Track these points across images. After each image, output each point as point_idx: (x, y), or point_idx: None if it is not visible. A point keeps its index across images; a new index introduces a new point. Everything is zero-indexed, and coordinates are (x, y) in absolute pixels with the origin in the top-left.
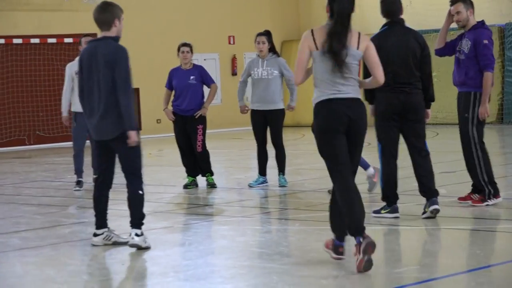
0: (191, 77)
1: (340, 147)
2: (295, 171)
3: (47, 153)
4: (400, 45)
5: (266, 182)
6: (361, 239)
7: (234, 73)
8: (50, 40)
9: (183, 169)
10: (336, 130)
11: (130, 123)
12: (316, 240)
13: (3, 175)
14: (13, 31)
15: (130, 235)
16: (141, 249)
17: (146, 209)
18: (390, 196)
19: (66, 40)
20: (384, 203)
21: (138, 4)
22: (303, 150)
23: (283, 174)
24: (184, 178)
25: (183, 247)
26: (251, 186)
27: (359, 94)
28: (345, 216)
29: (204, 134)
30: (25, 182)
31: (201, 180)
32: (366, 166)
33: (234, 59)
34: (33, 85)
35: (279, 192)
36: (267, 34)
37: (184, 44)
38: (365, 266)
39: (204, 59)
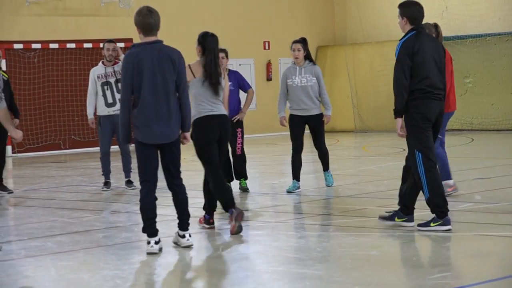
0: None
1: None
2: None
3: (82, 158)
4: (433, 51)
5: (299, 188)
6: (233, 210)
7: (269, 79)
8: (86, 45)
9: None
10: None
11: (189, 124)
12: (350, 246)
13: (39, 179)
14: (51, 36)
15: (183, 237)
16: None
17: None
18: (442, 207)
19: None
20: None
21: (174, 10)
22: (338, 156)
23: (328, 170)
24: None
25: (217, 252)
26: (290, 192)
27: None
28: (219, 197)
29: (242, 137)
30: (61, 186)
31: (233, 184)
32: (448, 176)
33: (269, 65)
34: (69, 90)
35: (313, 197)
36: (303, 41)
37: (220, 50)
38: (237, 230)
39: (240, 64)
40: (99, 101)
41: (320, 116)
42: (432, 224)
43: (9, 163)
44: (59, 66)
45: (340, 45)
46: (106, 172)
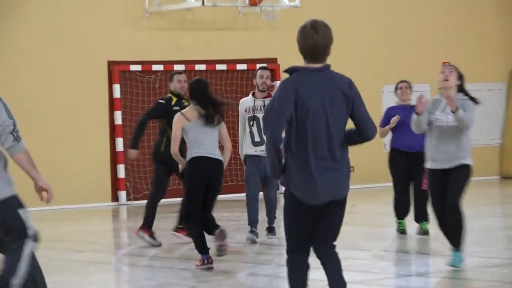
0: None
1: None
2: None
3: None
4: None
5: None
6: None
7: None
8: (219, 67)
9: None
10: None
11: None
12: None
13: (160, 232)
14: (175, 55)
15: None
16: None
17: None
18: None
19: (239, 67)
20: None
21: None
22: None
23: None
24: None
25: None
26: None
27: None
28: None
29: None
30: (186, 240)
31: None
32: None
33: None
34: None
35: (501, 261)
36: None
37: (402, 81)
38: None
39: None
40: (245, 138)
41: None
42: None
43: (122, 212)
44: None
45: None
46: (253, 220)
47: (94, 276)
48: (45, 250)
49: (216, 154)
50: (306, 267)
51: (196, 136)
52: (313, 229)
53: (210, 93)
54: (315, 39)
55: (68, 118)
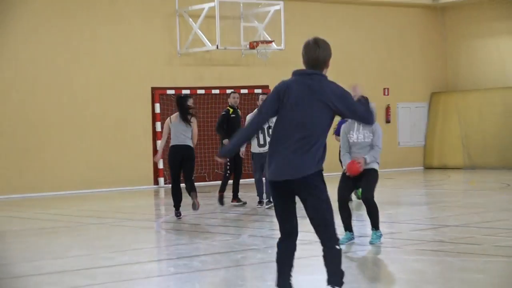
0: None
1: None
2: (441, 207)
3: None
4: None
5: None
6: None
7: (388, 121)
8: (228, 91)
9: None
10: None
11: None
12: (458, 270)
13: (188, 207)
14: (198, 83)
15: None
16: None
17: (307, 238)
18: None
19: (242, 91)
20: None
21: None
22: (449, 190)
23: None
24: None
25: None
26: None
27: None
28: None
29: None
30: (205, 213)
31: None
32: None
33: (388, 109)
34: (213, 129)
35: (424, 226)
36: None
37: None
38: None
39: None
40: (253, 141)
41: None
42: None
43: (161, 192)
44: (205, 109)
45: (452, 91)
46: (260, 192)
47: (142, 237)
48: (107, 219)
49: (187, 142)
50: None
51: (175, 131)
52: None
53: (186, 103)
54: (317, 52)
55: (124, 127)
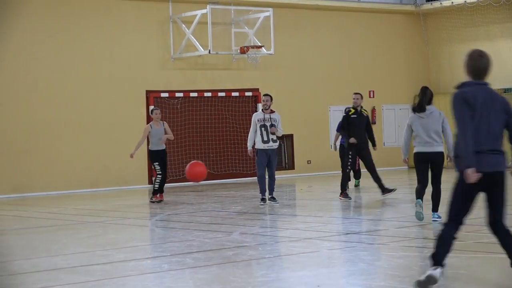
0: None
1: None
2: (425, 205)
3: (216, 188)
4: None
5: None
6: None
7: (373, 122)
8: (220, 94)
9: (321, 202)
10: None
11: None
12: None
13: (180, 205)
14: (191, 87)
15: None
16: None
17: (296, 235)
18: None
19: (234, 94)
20: None
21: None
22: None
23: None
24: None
25: (327, 269)
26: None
27: None
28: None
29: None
30: (198, 211)
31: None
32: None
33: (373, 110)
34: (206, 131)
35: (409, 224)
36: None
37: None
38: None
39: None
40: (257, 138)
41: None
42: None
43: None
44: (198, 112)
45: (435, 93)
46: (263, 189)
47: (137, 234)
48: (103, 218)
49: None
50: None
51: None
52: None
53: None
54: (483, 62)
55: (119, 128)
